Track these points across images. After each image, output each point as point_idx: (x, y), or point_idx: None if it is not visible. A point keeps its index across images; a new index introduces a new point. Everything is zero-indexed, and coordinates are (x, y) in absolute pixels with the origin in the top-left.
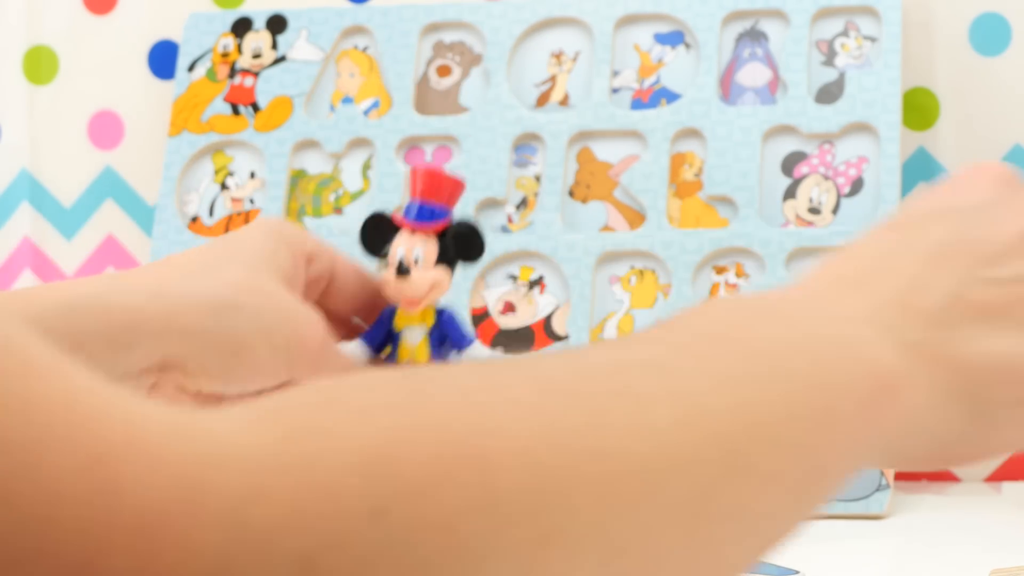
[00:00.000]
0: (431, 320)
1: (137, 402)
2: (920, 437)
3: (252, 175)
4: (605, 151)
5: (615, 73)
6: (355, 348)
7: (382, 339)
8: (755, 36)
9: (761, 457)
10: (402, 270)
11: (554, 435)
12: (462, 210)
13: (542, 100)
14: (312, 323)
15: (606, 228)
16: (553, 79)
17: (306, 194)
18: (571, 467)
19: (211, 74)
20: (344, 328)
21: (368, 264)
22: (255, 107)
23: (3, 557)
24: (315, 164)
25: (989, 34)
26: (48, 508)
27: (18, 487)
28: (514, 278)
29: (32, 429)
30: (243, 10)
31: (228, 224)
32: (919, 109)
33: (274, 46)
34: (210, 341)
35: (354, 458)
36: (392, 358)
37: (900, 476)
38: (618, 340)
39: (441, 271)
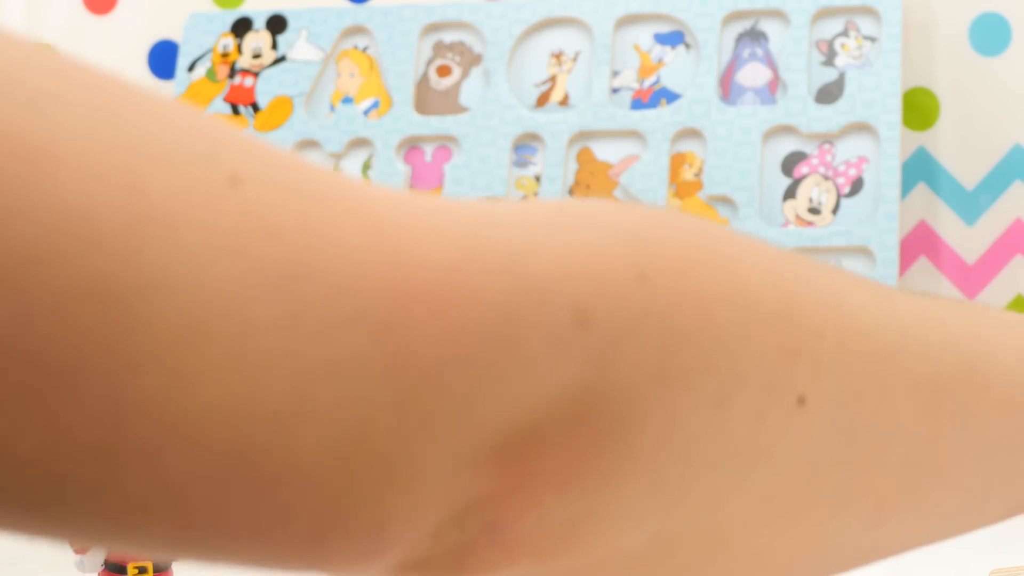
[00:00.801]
0: None
1: (396, 192)
2: None
3: None
4: (605, 151)
5: (615, 73)
6: None
7: None
8: (755, 36)
9: (988, 377)
10: None
11: (805, 278)
12: None
13: (542, 100)
14: None
15: None
16: (553, 79)
17: None
18: (817, 309)
19: (211, 74)
20: None
21: None
22: (255, 107)
23: (325, 323)
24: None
25: (989, 34)
26: (352, 278)
27: (325, 262)
28: None
29: (324, 210)
30: (243, 10)
31: None
32: (919, 109)
33: (274, 46)
34: None
35: (616, 229)
36: None
37: None
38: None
39: None
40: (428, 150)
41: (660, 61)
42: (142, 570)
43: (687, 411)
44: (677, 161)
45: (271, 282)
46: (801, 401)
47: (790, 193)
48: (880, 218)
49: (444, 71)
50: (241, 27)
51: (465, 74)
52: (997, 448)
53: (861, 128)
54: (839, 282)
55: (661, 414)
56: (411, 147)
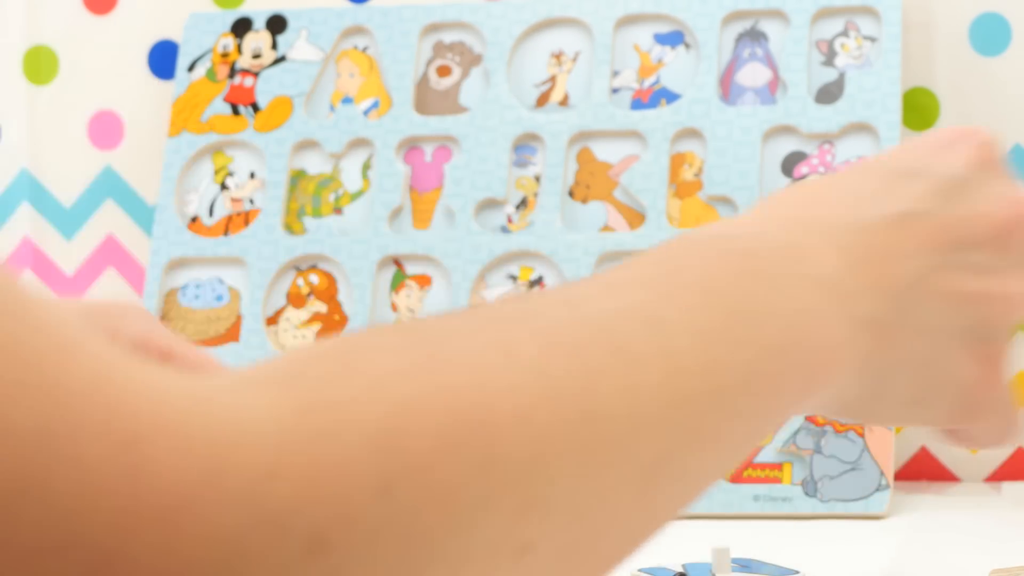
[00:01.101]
0: None
1: (159, 375)
2: (831, 405)
3: (252, 175)
4: (605, 151)
5: (615, 73)
6: None
7: None
8: (755, 36)
9: (719, 423)
10: None
11: (554, 398)
12: (463, 211)
13: (542, 100)
14: None
15: (606, 228)
16: (553, 79)
17: (306, 194)
18: (564, 433)
19: (211, 74)
20: None
21: None
22: (255, 107)
23: (35, 546)
24: (315, 164)
25: (989, 34)
26: (82, 498)
27: (55, 478)
28: (514, 278)
29: (68, 415)
30: (243, 10)
31: (228, 224)
32: (919, 109)
33: (274, 46)
34: None
35: (364, 433)
36: None
37: (900, 476)
38: (611, 279)
39: None
40: (428, 150)
41: (660, 61)
42: None
43: None
44: (677, 161)
45: None
46: (527, 548)
47: None
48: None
49: (444, 71)
50: (241, 27)
51: (465, 74)
52: (713, 469)
53: (861, 128)
54: (586, 370)
55: None
56: (411, 147)
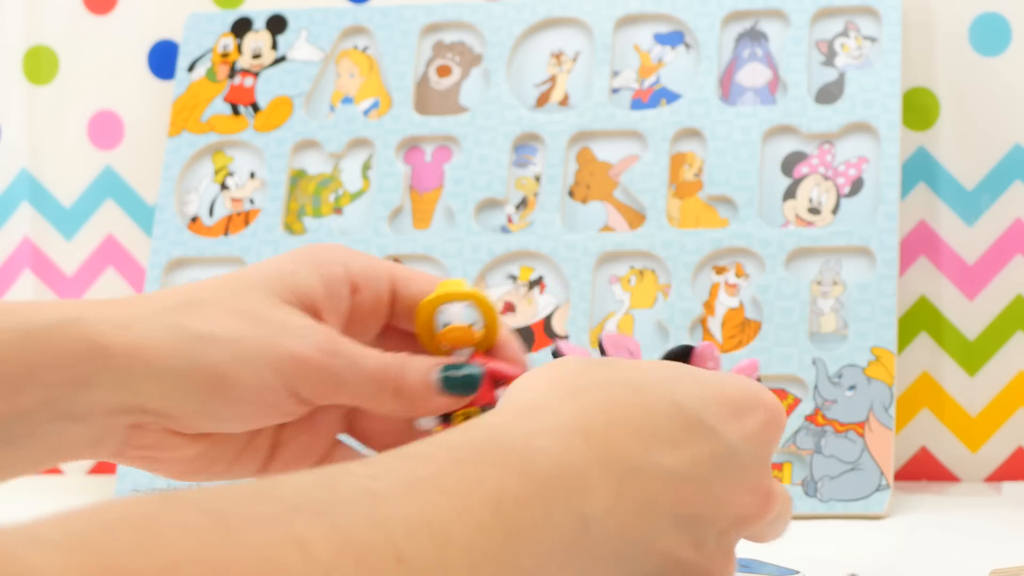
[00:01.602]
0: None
1: None
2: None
3: (252, 175)
4: (605, 151)
5: (615, 73)
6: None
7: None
8: (755, 36)
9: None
10: None
11: None
12: (463, 211)
13: (542, 100)
14: (307, 339)
15: (606, 228)
16: (553, 79)
17: (306, 194)
18: None
19: (211, 74)
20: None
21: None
22: (255, 107)
23: None
24: (315, 164)
25: (989, 34)
26: None
27: None
28: (514, 278)
29: None
30: (243, 10)
31: (227, 224)
32: (919, 109)
33: (274, 46)
34: (181, 378)
35: None
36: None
37: (900, 476)
38: (417, 474)
39: None
40: (428, 150)
41: (660, 61)
42: (467, 416)
43: None
44: (677, 161)
45: None
46: None
47: (790, 193)
48: (880, 218)
49: (444, 71)
50: (241, 27)
51: (465, 74)
52: None
53: (861, 128)
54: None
55: None
56: (411, 147)
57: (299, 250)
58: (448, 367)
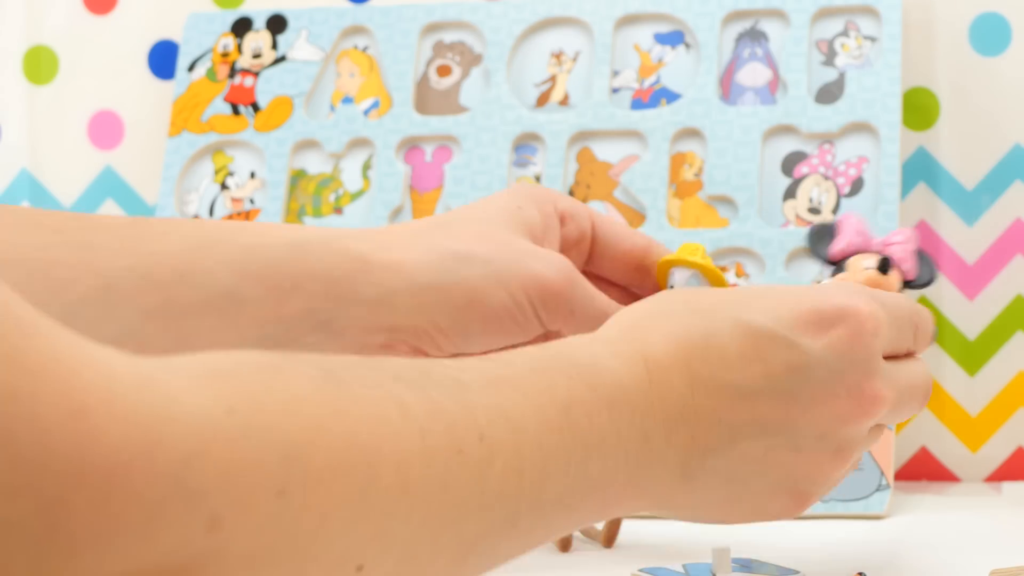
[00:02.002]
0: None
1: (110, 355)
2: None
3: (252, 175)
4: (605, 151)
5: (615, 73)
6: None
7: None
8: (755, 36)
9: (532, 523)
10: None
11: (424, 460)
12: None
13: (542, 100)
14: (553, 265)
15: None
16: (553, 79)
17: (306, 194)
18: (423, 492)
19: (211, 74)
20: (621, 296)
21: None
22: (255, 107)
23: (1, 486)
24: (315, 164)
25: (989, 34)
26: (37, 454)
27: (17, 434)
28: None
29: (27, 380)
30: (243, 10)
31: None
32: (919, 109)
33: (274, 46)
34: (441, 294)
35: (276, 441)
36: None
37: (900, 476)
38: (502, 373)
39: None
40: (428, 150)
41: (660, 61)
42: None
43: None
44: (677, 161)
45: None
46: (359, 568)
47: (790, 193)
48: (880, 218)
49: (444, 71)
50: (241, 27)
51: (465, 74)
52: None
53: (861, 128)
54: (446, 425)
55: None
56: (411, 147)
57: (513, 189)
58: None
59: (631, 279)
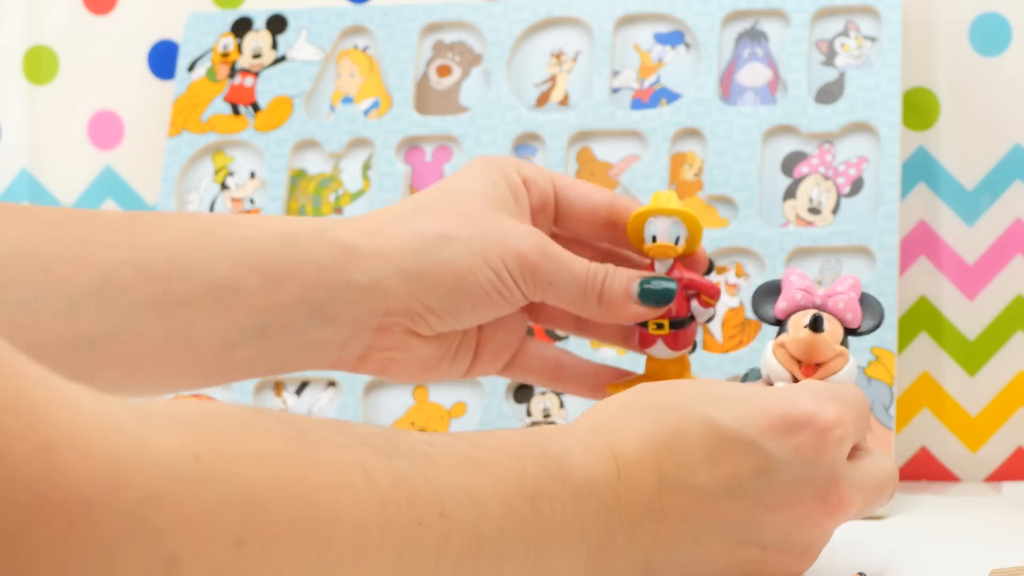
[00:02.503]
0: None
1: (80, 394)
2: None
3: (252, 175)
4: (605, 151)
5: (615, 73)
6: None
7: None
8: (755, 36)
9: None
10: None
11: (385, 530)
12: None
13: (542, 100)
14: (527, 237)
15: None
16: (553, 79)
17: (306, 194)
18: (379, 559)
19: (211, 74)
20: (593, 253)
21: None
22: (255, 107)
23: None
24: (315, 164)
25: (989, 34)
26: (4, 483)
27: None
28: None
29: (4, 421)
30: (243, 10)
31: None
32: (919, 109)
33: (274, 46)
34: (428, 277)
35: (238, 491)
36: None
37: (900, 476)
38: (469, 453)
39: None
40: (428, 150)
41: (660, 61)
42: (659, 326)
43: None
44: (677, 161)
45: None
46: None
47: (790, 193)
48: (880, 218)
49: (444, 71)
50: (241, 27)
51: (465, 74)
52: None
53: (861, 128)
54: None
55: None
56: (411, 147)
57: (478, 163)
58: (647, 280)
59: (601, 235)
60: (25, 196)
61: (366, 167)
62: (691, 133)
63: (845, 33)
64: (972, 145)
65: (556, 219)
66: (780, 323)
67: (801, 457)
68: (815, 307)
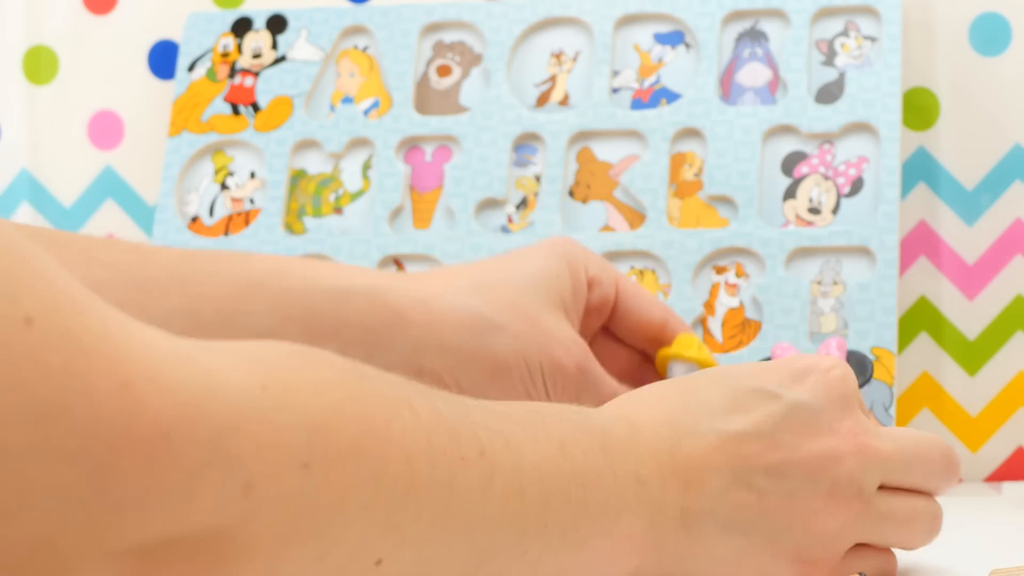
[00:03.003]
0: None
1: (154, 334)
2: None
3: (252, 175)
4: (605, 151)
5: (615, 73)
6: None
7: None
8: (755, 36)
9: (531, 546)
10: None
11: (432, 459)
12: (463, 211)
13: (542, 100)
14: (571, 349)
15: (606, 228)
16: (553, 79)
17: (306, 194)
18: (438, 492)
19: (211, 74)
20: (633, 357)
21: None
22: (255, 107)
23: (56, 454)
24: (315, 164)
25: (989, 34)
26: (89, 422)
27: (70, 403)
28: None
29: (81, 357)
30: (243, 10)
31: (228, 224)
32: (919, 109)
33: (274, 46)
34: (467, 358)
35: (305, 417)
36: None
37: None
38: (506, 410)
39: None
40: (428, 150)
41: (660, 61)
42: None
43: (293, 563)
44: (677, 161)
45: (30, 417)
46: (378, 562)
47: (790, 193)
48: (880, 218)
49: (444, 71)
50: (241, 27)
51: (465, 74)
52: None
53: (861, 128)
54: (471, 428)
55: (273, 562)
56: (411, 147)
57: (552, 248)
58: None
59: (646, 346)
60: (25, 196)
61: (366, 167)
62: (691, 133)
63: (845, 33)
64: (972, 145)
65: (609, 320)
66: None
67: (812, 394)
68: None
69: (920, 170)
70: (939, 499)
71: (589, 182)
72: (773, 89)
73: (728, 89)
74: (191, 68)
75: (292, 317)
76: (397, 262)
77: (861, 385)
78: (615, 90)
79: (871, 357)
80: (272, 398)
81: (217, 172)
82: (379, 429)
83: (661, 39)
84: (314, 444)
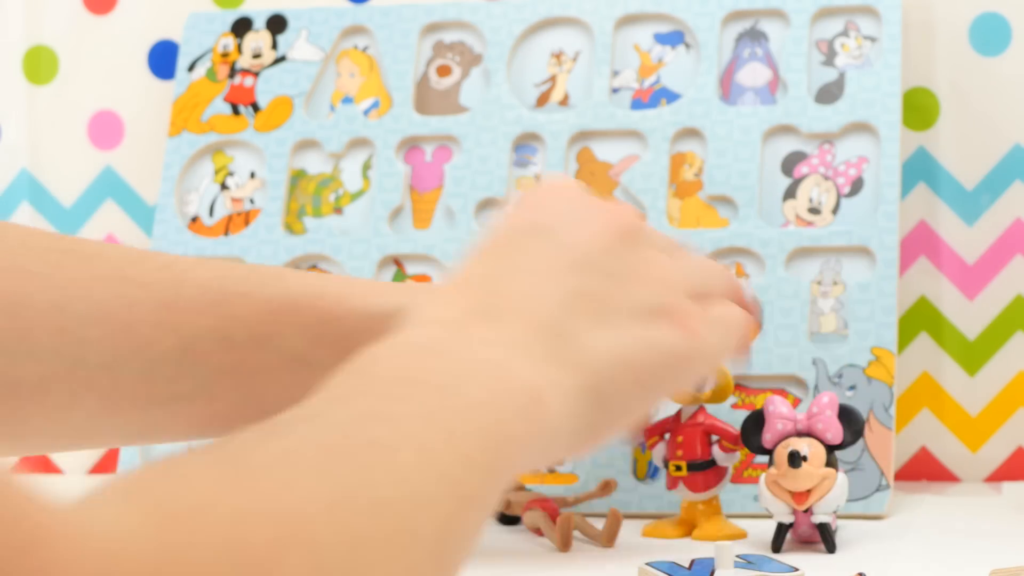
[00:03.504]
0: None
1: (48, 500)
2: (561, 435)
3: (252, 175)
4: (605, 151)
5: (615, 73)
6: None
7: None
8: (755, 36)
9: (473, 485)
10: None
11: (334, 512)
12: (463, 211)
13: (542, 100)
14: None
15: None
16: (553, 79)
17: (306, 194)
18: (344, 542)
19: (211, 74)
20: None
21: None
22: (255, 107)
23: None
24: (315, 164)
25: (989, 34)
26: None
27: None
28: None
29: None
30: (243, 10)
31: (228, 224)
32: (919, 109)
33: (274, 46)
34: None
35: (211, 541)
36: None
37: (900, 476)
38: (336, 394)
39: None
40: (428, 150)
41: (660, 61)
42: (677, 467)
43: None
44: (677, 161)
45: None
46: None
47: (790, 193)
48: (880, 218)
49: (444, 71)
50: (241, 27)
51: (465, 74)
52: (480, 524)
53: (861, 128)
54: (359, 470)
55: None
56: (411, 147)
57: None
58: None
59: None
60: (25, 196)
61: (366, 167)
62: (691, 133)
63: (845, 33)
64: (972, 145)
65: None
66: (769, 452)
67: (613, 241)
68: (797, 433)
69: (920, 170)
70: (939, 499)
71: (589, 182)
72: (773, 89)
73: (728, 89)
74: (191, 68)
75: (325, 341)
76: (397, 262)
77: (854, 441)
78: (615, 90)
79: (863, 416)
80: (169, 534)
81: (217, 172)
82: (292, 519)
83: (661, 39)
84: (232, 562)
